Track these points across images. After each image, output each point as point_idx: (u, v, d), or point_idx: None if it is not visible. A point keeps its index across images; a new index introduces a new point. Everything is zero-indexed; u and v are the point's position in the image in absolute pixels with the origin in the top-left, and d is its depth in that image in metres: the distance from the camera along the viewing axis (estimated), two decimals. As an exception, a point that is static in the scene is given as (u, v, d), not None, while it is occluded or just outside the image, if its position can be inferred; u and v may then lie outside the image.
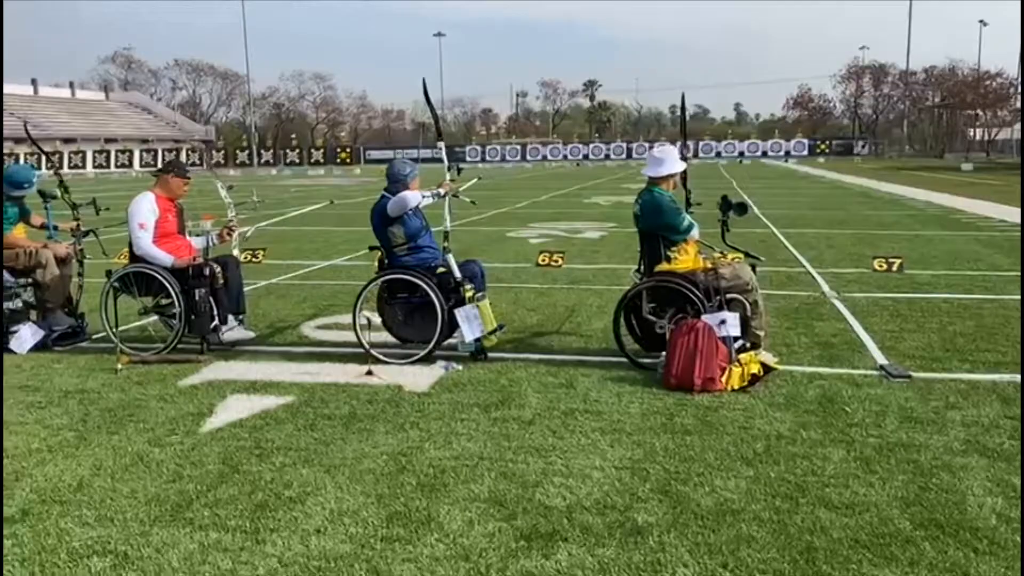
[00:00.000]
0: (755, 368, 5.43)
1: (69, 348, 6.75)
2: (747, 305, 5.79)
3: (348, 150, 63.53)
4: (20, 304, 6.76)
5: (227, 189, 7.13)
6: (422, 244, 6.14)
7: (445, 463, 4.15)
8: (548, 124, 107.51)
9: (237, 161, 62.52)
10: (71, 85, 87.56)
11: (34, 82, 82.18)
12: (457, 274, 6.05)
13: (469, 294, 6.00)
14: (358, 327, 6.07)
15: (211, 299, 6.42)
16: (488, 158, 69.30)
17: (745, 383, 5.32)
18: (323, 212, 14.38)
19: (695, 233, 5.92)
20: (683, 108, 6.71)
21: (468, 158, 68.47)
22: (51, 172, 7.15)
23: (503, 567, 3.14)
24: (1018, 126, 64.98)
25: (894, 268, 9.86)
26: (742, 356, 5.52)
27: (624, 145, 70.56)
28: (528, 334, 6.96)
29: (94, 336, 6.95)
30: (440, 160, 6.66)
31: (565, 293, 8.87)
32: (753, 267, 6.06)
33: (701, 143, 69.31)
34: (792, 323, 7.18)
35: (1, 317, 6.61)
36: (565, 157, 68.86)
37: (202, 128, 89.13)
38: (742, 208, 6.10)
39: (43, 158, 6.92)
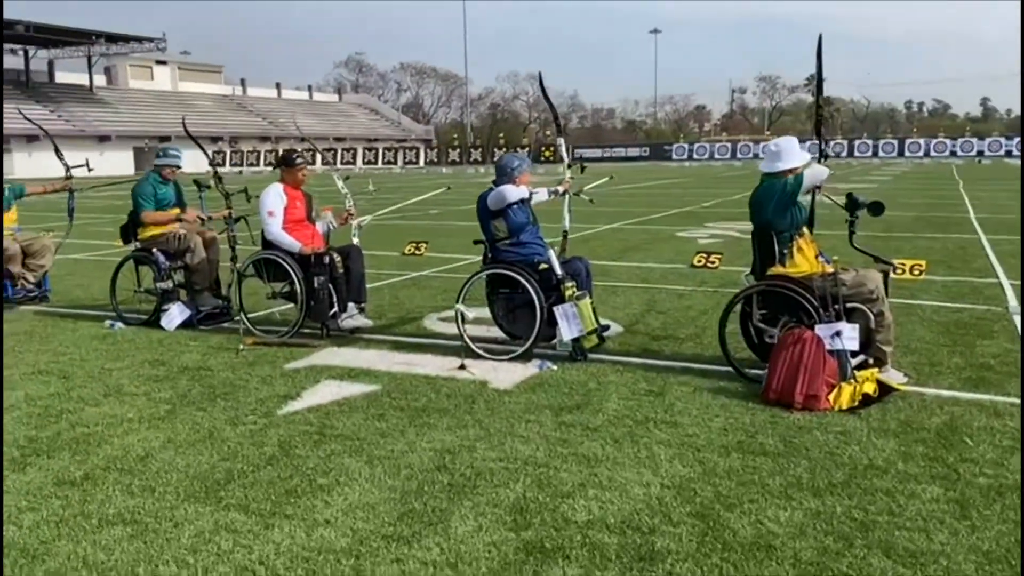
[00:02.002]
0: (870, 388, 4.82)
1: (212, 327, 7.25)
2: (871, 316, 5.16)
3: (552, 148, 64.31)
4: (171, 285, 7.35)
5: (343, 180, 7.42)
6: (525, 240, 6.00)
7: (486, 464, 4.00)
8: (764, 121, 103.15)
9: (448, 160, 65.12)
10: (309, 88, 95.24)
11: (278, 86, 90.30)
12: (558, 271, 5.85)
13: (569, 292, 5.79)
14: (458, 320, 6.05)
15: (331, 286, 6.66)
16: (696, 156, 67.50)
17: (855, 404, 4.73)
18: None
19: (820, 172, 5.23)
20: (819, 53, 5.62)
21: (675, 156, 67.17)
22: (211, 169, 7.71)
23: (486, 580, 2.95)
24: None
25: (1110, 282, 8.45)
26: (859, 374, 4.93)
27: (844, 142, 66.13)
28: (643, 337, 6.63)
29: (237, 318, 7.41)
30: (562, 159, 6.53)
31: (707, 296, 8.38)
32: (885, 274, 5.39)
33: (933, 141, 63.62)
34: (951, 340, 6.33)
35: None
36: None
37: (423, 128, 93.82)
38: (877, 207, 5.41)
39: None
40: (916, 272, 8.80)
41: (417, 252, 11.81)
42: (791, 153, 5.39)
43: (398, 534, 3.31)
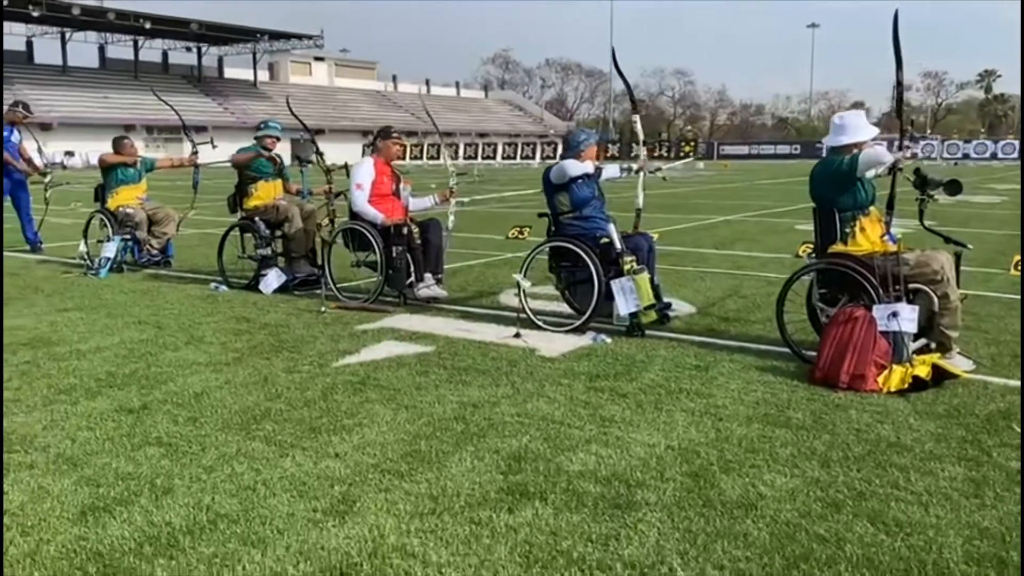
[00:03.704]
0: (923, 371, 4.59)
1: (305, 293, 7.71)
2: (935, 299, 4.90)
3: (692, 144, 63.25)
4: (270, 252, 7.86)
5: (453, 160, 7.69)
6: (588, 214, 6.05)
7: (502, 418, 4.12)
8: (929, 119, 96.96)
9: (588, 154, 65.13)
10: (456, 85, 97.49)
11: (427, 82, 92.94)
12: (618, 245, 5.88)
13: (628, 266, 5.80)
14: (519, 291, 6.18)
15: (408, 256, 6.95)
16: (848, 155, 64.40)
17: (904, 387, 4.52)
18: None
19: (878, 155, 5.01)
20: (896, 27, 5.27)
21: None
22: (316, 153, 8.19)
23: (459, 511, 3.08)
24: None
25: None
26: (916, 358, 4.70)
27: (1015, 142, 61.20)
28: (713, 318, 6.54)
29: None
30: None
31: (799, 284, 8.09)
32: (958, 256, 5.10)
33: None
34: (1048, 333, 5.90)
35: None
36: (939, 156, 61.65)
37: (564, 124, 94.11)
38: (954, 186, 5.15)
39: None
40: (1036, 269, 8.21)
41: (520, 236, 12.05)
42: (857, 127, 5.21)
43: (395, 469, 3.49)
